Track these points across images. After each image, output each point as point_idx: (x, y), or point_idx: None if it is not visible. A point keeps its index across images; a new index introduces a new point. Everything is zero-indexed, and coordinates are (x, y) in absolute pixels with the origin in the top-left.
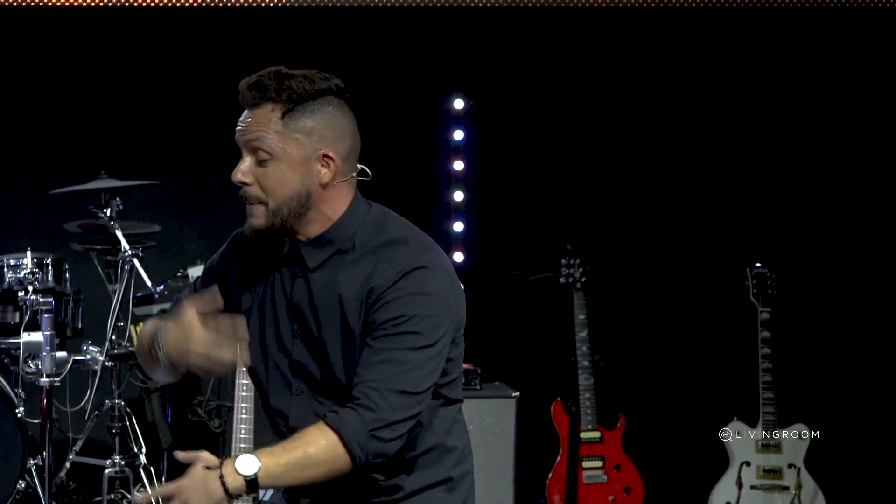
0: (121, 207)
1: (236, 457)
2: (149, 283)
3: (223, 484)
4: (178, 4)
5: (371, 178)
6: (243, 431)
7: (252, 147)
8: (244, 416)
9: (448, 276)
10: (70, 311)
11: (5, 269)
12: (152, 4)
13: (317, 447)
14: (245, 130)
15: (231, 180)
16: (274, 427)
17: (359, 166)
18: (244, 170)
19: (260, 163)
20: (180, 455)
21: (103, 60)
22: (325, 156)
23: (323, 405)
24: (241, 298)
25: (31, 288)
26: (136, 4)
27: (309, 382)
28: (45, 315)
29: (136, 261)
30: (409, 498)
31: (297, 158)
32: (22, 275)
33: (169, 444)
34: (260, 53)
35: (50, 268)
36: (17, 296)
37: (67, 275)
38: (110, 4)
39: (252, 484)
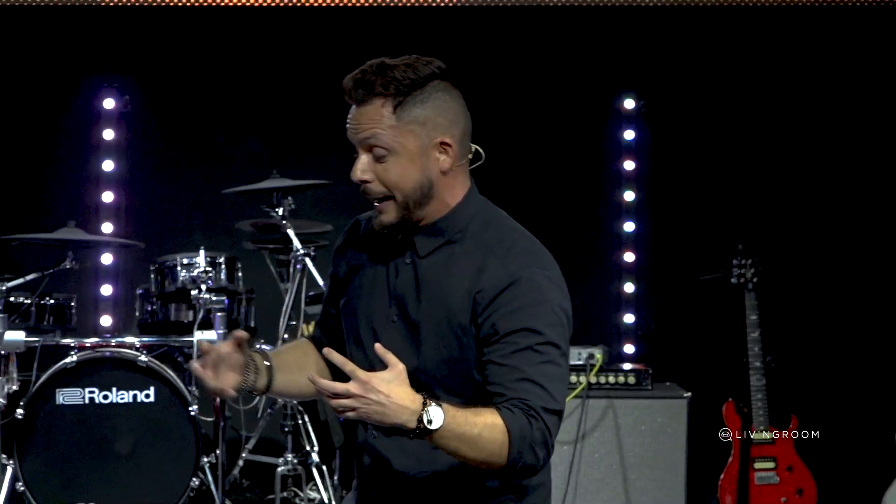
0: (293, 206)
1: (431, 400)
2: (321, 281)
3: (417, 425)
4: (350, 5)
5: (486, 160)
6: None
7: (368, 144)
8: None
9: (558, 279)
10: (243, 310)
11: (179, 268)
12: (322, 4)
13: (490, 436)
14: (358, 128)
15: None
16: None
17: (473, 148)
18: (363, 167)
19: (378, 159)
20: (378, 348)
21: (275, 60)
22: (443, 143)
23: None
24: (350, 290)
25: (204, 287)
26: (306, 5)
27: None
28: (218, 314)
29: (307, 260)
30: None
31: (415, 150)
32: (195, 273)
33: (341, 442)
34: (426, 53)
35: (223, 266)
36: (191, 294)
37: (240, 273)
38: (280, 5)
39: (423, 433)
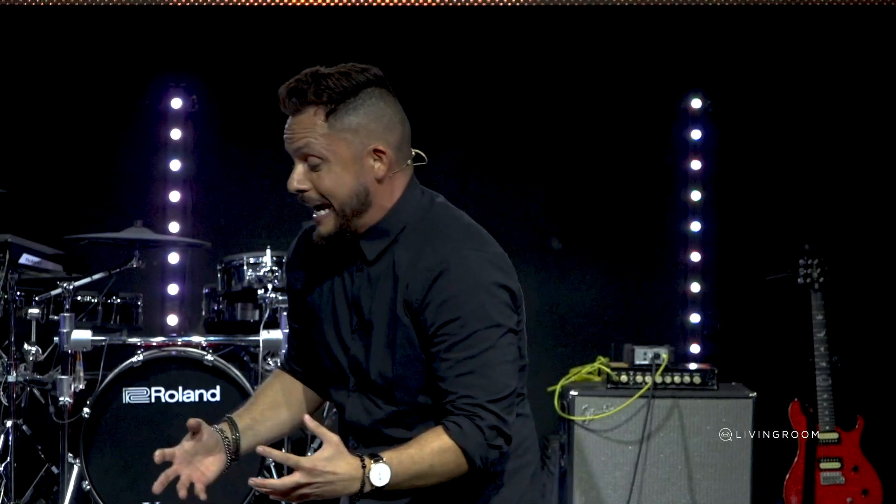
0: None
1: (372, 460)
2: None
3: (361, 489)
4: (410, 4)
5: (433, 164)
6: None
7: (302, 154)
8: None
9: (494, 257)
10: None
11: (245, 268)
12: (380, 4)
13: (442, 460)
14: (292, 138)
15: (289, 188)
16: (339, 415)
17: (413, 152)
18: (299, 177)
19: (313, 168)
20: (308, 421)
21: (341, 59)
22: (376, 150)
23: (371, 402)
24: (311, 302)
25: (270, 286)
26: (370, 4)
27: (360, 378)
28: (285, 313)
29: None
30: (454, 495)
31: (349, 157)
32: (262, 273)
33: None
34: (493, 54)
35: None
36: (257, 294)
37: None
38: (346, 5)
39: (377, 492)
